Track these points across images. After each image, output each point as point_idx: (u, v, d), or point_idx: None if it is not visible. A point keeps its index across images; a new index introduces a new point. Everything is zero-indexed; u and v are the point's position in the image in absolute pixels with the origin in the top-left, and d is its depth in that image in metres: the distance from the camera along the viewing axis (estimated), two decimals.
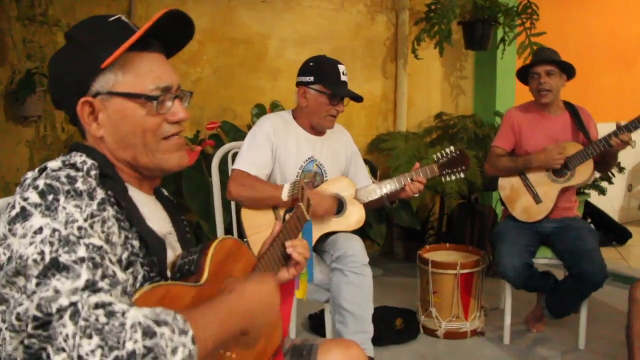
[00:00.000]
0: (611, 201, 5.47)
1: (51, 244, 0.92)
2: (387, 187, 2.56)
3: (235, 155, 2.73)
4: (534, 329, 3.21)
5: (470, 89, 4.92)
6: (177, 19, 1.15)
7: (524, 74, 3.09)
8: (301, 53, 4.11)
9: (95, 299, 0.87)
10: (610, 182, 4.78)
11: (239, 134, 3.52)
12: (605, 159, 2.95)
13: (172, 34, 1.19)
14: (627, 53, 5.82)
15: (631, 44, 5.84)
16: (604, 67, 5.57)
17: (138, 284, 1.08)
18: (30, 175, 1.05)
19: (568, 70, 2.99)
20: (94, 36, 1.12)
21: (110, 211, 1.04)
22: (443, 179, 2.62)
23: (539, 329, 3.20)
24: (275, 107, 3.73)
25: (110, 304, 0.87)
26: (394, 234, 4.54)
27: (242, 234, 2.51)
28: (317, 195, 2.40)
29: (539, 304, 3.12)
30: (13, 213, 0.97)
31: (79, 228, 0.95)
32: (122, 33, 1.12)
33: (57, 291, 0.87)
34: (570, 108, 3.07)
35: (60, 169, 1.04)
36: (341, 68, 2.53)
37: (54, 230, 0.93)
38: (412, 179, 2.51)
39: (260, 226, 2.44)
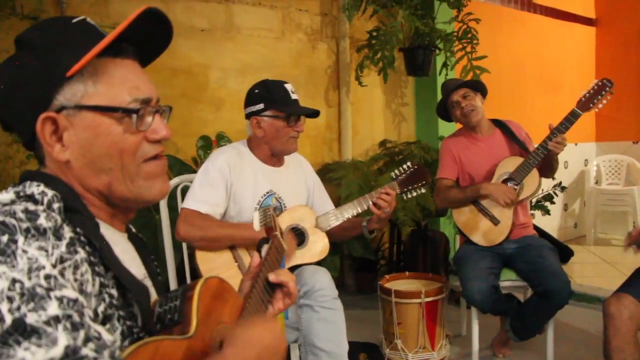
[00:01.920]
0: (550, 221, 5.58)
1: (10, 299, 0.70)
2: (349, 211, 2.44)
3: (184, 189, 2.55)
4: (500, 353, 3.15)
5: (412, 115, 4.92)
6: (155, 20, 0.97)
7: (444, 112, 3.13)
8: (243, 82, 3.99)
9: None
10: (552, 202, 4.88)
11: (184, 168, 3.33)
12: (548, 163, 2.97)
13: (148, 38, 0.99)
14: (554, 77, 6.04)
15: (557, 68, 6.06)
16: (535, 90, 5.75)
17: (117, 343, 0.88)
18: None
19: (480, 89, 3.04)
20: (57, 40, 0.93)
21: (81, 253, 0.84)
22: (404, 197, 2.53)
23: (506, 354, 3.15)
24: (221, 138, 3.57)
25: None
26: (344, 265, 4.42)
27: (195, 276, 2.32)
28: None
29: (503, 327, 3.07)
30: None
31: (47, 277, 0.75)
32: (89, 36, 0.94)
33: None
34: (500, 124, 3.13)
35: (13, 202, 0.82)
36: (288, 87, 2.41)
37: (14, 281, 0.72)
38: (377, 198, 2.39)
39: (217, 268, 2.25)
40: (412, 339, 2.98)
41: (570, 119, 2.88)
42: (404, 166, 2.53)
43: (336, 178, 3.97)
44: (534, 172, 2.93)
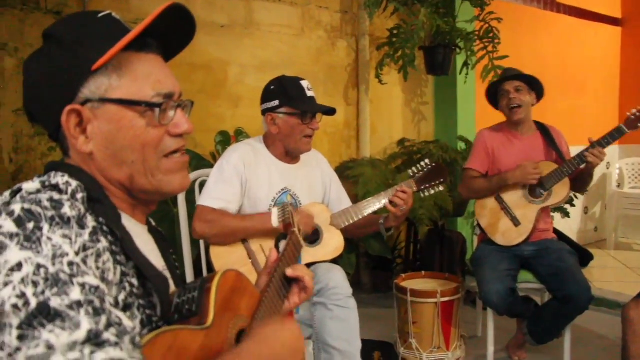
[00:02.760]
0: (570, 224, 5.51)
1: (35, 284, 0.72)
2: (366, 209, 2.43)
3: (202, 184, 2.56)
4: (515, 356, 3.11)
5: (431, 114, 4.90)
6: (178, 16, 0.98)
7: (493, 94, 3.04)
8: (262, 79, 3.94)
9: (101, 355, 0.68)
10: (572, 205, 4.82)
11: (202, 163, 3.34)
12: (581, 177, 2.92)
13: (171, 33, 1.01)
14: (577, 78, 5.96)
15: (581, 69, 5.99)
16: (557, 92, 5.68)
17: (137, 330, 0.89)
18: None
19: (536, 88, 2.97)
20: (83, 33, 0.94)
21: (104, 242, 0.85)
22: (422, 194, 2.51)
23: (521, 357, 3.11)
24: (239, 134, 3.58)
25: None
26: (360, 263, 4.41)
27: (211, 270, 2.33)
28: (304, 216, 2.25)
29: (520, 330, 3.04)
30: None
31: (70, 264, 0.76)
32: (115, 30, 0.95)
33: (50, 347, 0.67)
34: (542, 128, 3.06)
35: (39, 191, 0.85)
36: (304, 84, 2.37)
37: (39, 266, 0.73)
38: (394, 196, 2.38)
39: (231, 264, 2.24)
40: (426, 339, 2.96)
41: (614, 135, 2.80)
42: (422, 163, 2.51)
43: (354, 176, 3.96)
44: (565, 182, 2.88)
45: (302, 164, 2.50)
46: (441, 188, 2.52)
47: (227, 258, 2.26)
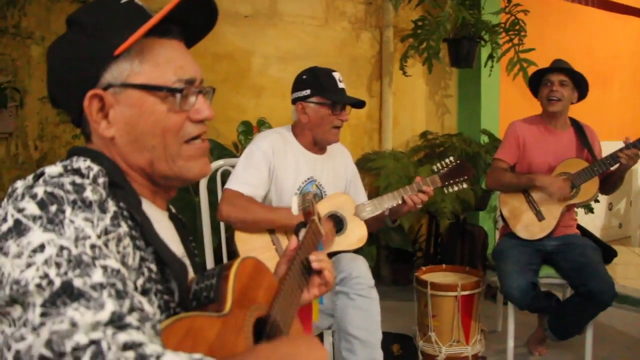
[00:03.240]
0: (593, 220, 5.44)
1: (58, 265, 0.72)
2: (388, 202, 2.42)
3: (223, 173, 2.57)
4: (536, 352, 3.09)
5: (454, 107, 4.86)
6: (200, 3, 0.98)
7: (536, 82, 2.99)
8: (285, 70, 4.00)
9: (124, 337, 0.68)
10: (597, 201, 4.74)
11: (224, 152, 3.36)
12: (611, 179, 2.89)
13: (194, 20, 1.01)
14: (604, 72, 5.86)
15: (607, 63, 5.89)
16: None
17: (157, 316, 0.90)
18: (21, 183, 0.85)
19: (581, 87, 2.92)
20: (105, 19, 0.95)
21: (124, 227, 0.86)
22: (445, 190, 2.50)
23: (542, 352, 3.08)
24: (262, 124, 3.59)
25: (141, 344, 0.68)
26: (380, 255, 4.40)
27: (232, 258, 2.34)
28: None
29: (541, 325, 3.01)
30: (4, 227, 0.77)
31: (92, 246, 0.77)
32: (137, 16, 0.95)
33: (74, 324, 0.68)
34: (576, 125, 3.01)
35: (61, 175, 0.85)
36: (336, 75, 2.40)
37: (61, 248, 0.74)
38: (419, 190, 2.37)
39: (255, 250, 2.26)
40: (446, 332, 2.95)
41: None
42: (447, 160, 2.50)
43: (375, 168, 3.95)
44: (595, 180, 2.84)
45: (328, 155, 2.51)
46: (465, 185, 2.50)
47: (251, 243, 2.27)
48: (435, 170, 2.50)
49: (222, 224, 2.52)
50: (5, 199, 0.86)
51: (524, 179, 2.91)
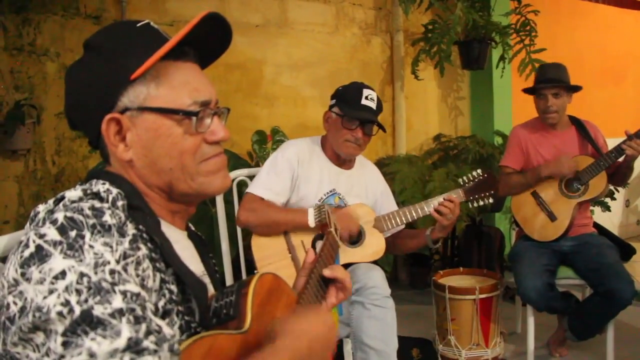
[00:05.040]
0: (611, 217, 5.40)
1: (78, 292, 0.74)
2: (408, 214, 2.42)
3: (240, 183, 2.60)
4: (557, 353, 3.07)
5: (467, 109, 4.85)
6: (215, 24, 0.99)
7: (531, 91, 3.01)
8: (297, 78, 4.03)
9: None
10: (613, 198, 4.72)
11: (239, 162, 3.38)
12: (620, 171, 2.87)
13: (208, 41, 1.02)
14: (616, 69, 5.83)
15: (620, 60, 5.85)
16: (594, 83, 5.55)
17: (177, 337, 0.91)
18: (42, 207, 0.86)
19: (573, 90, 2.93)
20: (122, 43, 0.96)
21: (143, 250, 0.87)
22: (470, 205, 2.48)
23: (562, 354, 3.06)
24: (276, 133, 3.61)
25: None
26: (398, 260, 4.41)
27: (250, 268, 2.36)
28: (344, 216, 2.26)
29: (561, 326, 3.00)
30: (26, 253, 0.79)
31: (112, 272, 0.78)
32: (153, 40, 0.96)
33: (92, 354, 0.70)
34: (576, 122, 3.01)
35: (81, 199, 0.86)
36: (366, 92, 2.35)
37: (82, 275, 0.76)
38: (443, 200, 2.34)
39: (271, 257, 2.29)
40: (465, 336, 2.95)
41: None
42: (474, 173, 2.46)
43: (390, 172, 3.94)
44: (602, 175, 2.83)
45: (354, 172, 2.51)
46: (491, 200, 2.45)
47: (267, 250, 2.29)
48: (461, 183, 2.48)
49: (239, 235, 2.54)
50: (28, 224, 0.88)
51: (530, 174, 2.93)
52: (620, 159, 2.80)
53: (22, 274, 0.77)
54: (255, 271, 2.28)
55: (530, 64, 4.02)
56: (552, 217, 2.90)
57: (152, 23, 1.01)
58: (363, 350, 2.16)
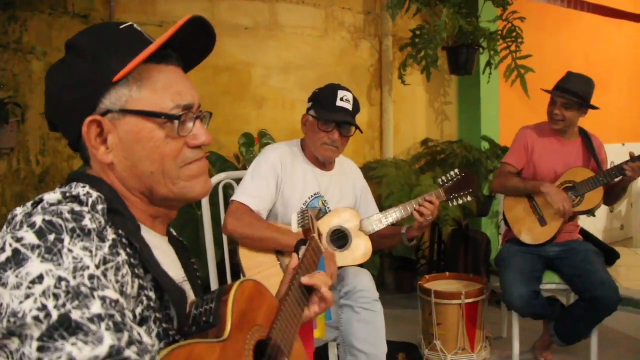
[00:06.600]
0: (595, 222, 5.45)
1: (56, 296, 0.72)
2: (393, 215, 2.43)
3: (226, 186, 2.58)
4: (542, 357, 3.10)
5: (454, 114, 4.87)
6: (199, 28, 0.98)
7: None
8: (286, 81, 4.03)
9: None
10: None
11: (226, 165, 3.37)
12: (615, 190, 2.92)
13: (192, 45, 1.01)
14: (601, 76, 5.85)
15: (605, 66, 5.91)
16: None
17: (157, 347, 0.90)
18: (20, 210, 0.84)
19: (585, 109, 2.92)
20: (105, 45, 0.95)
21: (123, 255, 0.85)
22: (450, 204, 2.51)
23: (548, 358, 3.09)
24: (263, 136, 3.60)
25: None
26: (384, 264, 4.41)
27: (236, 272, 2.34)
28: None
29: (547, 331, 3.02)
30: (3, 257, 0.76)
31: (91, 277, 0.76)
32: (136, 42, 0.95)
33: (71, 359, 0.69)
34: (584, 135, 3.04)
35: (60, 202, 0.84)
36: (341, 94, 2.34)
37: (60, 279, 0.74)
38: (419, 204, 2.37)
39: (260, 265, 2.26)
40: (451, 341, 2.95)
41: None
42: (452, 173, 2.49)
43: (377, 177, 3.96)
44: (599, 190, 2.87)
45: (335, 172, 2.51)
46: (469, 198, 2.49)
47: (256, 259, 2.27)
48: (440, 183, 2.49)
49: (225, 238, 2.53)
50: (5, 227, 0.86)
51: (530, 184, 2.94)
52: (618, 179, 2.83)
53: None
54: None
55: (516, 69, 4.06)
56: (542, 222, 2.92)
57: (135, 25, 1.00)
58: (353, 354, 2.16)
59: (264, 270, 2.23)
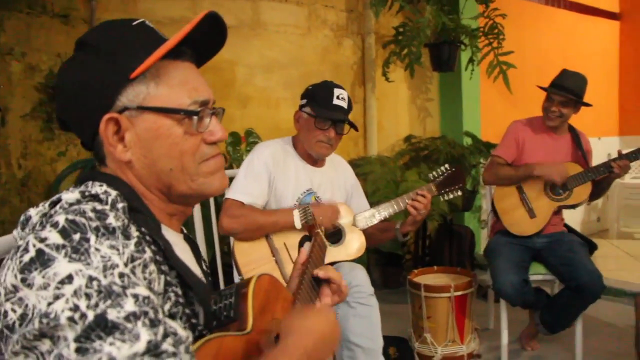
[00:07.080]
0: (573, 215, 5.55)
1: (88, 296, 0.72)
2: (386, 210, 2.46)
3: None
4: (528, 347, 3.17)
5: (436, 110, 4.93)
6: (213, 25, 0.98)
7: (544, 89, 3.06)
8: (270, 79, 4.03)
9: None
10: None
11: None
12: (600, 186, 2.99)
13: (205, 41, 1.00)
14: (578, 71, 5.97)
15: (581, 63, 5.99)
16: None
17: (190, 339, 0.91)
18: (35, 211, 0.84)
19: (580, 106, 2.99)
20: (119, 42, 0.94)
21: (148, 253, 0.85)
22: (441, 198, 2.55)
23: (534, 347, 3.17)
24: (249, 134, 3.61)
25: None
26: (370, 259, 4.44)
27: (227, 271, 2.35)
28: (326, 209, 2.31)
29: (533, 321, 3.08)
30: (26, 258, 0.75)
31: (121, 275, 0.76)
32: (150, 39, 0.95)
33: (111, 359, 0.69)
34: (573, 131, 3.10)
35: (79, 201, 0.84)
36: (337, 92, 2.37)
37: (91, 278, 0.73)
38: (412, 199, 2.40)
39: (255, 261, 2.28)
40: (441, 333, 3.00)
41: None
42: (442, 168, 2.54)
43: (362, 173, 3.98)
44: (587, 185, 2.94)
45: (327, 168, 2.53)
46: (459, 193, 2.54)
47: (251, 255, 2.29)
48: (432, 178, 2.54)
49: (216, 238, 2.53)
50: (19, 228, 0.86)
51: (522, 170, 3.00)
52: (605, 175, 2.91)
53: (23, 280, 0.74)
54: (240, 276, 2.27)
55: (498, 66, 4.11)
56: (531, 214, 2.99)
57: (147, 22, 1.00)
58: (350, 349, 2.19)
59: (259, 266, 2.25)
